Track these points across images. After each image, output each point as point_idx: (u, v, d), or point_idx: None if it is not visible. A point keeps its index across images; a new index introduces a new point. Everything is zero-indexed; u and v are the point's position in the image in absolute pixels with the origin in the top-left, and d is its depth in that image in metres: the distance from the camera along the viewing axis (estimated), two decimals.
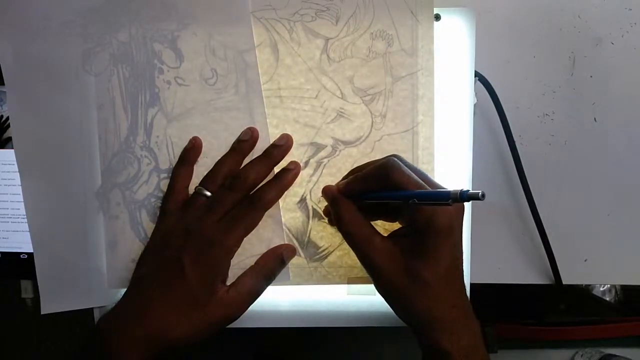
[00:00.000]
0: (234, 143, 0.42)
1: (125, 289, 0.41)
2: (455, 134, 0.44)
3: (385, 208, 0.40)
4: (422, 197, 0.34)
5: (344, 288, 0.44)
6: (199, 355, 0.47)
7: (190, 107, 0.43)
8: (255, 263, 0.42)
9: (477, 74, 0.46)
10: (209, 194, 0.41)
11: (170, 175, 0.43)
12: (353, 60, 0.43)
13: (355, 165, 0.43)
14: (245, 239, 0.41)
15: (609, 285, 0.60)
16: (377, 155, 0.42)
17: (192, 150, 0.42)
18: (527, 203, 0.50)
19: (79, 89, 0.43)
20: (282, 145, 0.42)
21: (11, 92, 0.43)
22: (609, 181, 0.52)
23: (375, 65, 0.43)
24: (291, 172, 0.42)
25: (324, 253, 0.43)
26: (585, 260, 0.52)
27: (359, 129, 0.43)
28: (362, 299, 0.44)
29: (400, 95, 0.43)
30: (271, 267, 0.42)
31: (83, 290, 0.44)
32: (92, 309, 0.45)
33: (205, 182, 0.42)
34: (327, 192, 0.41)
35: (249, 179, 0.41)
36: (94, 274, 0.44)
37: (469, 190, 0.31)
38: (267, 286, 0.41)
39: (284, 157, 0.42)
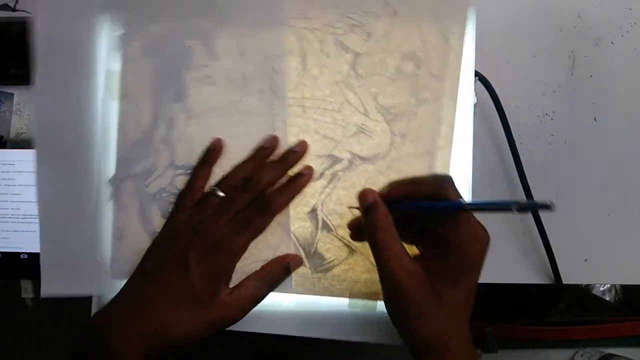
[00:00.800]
0: (255, 149, 0.42)
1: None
2: (456, 134, 0.44)
3: (408, 229, 0.39)
4: (481, 207, 0.34)
5: (345, 301, 0.44)
6: (199, 355, 0.47)
7: (213, 107, 0.43)
8: (261, 268, 0.42)
9: (477, 74, 0.46)
10: (222, 194, 0.41)
11: (185, 172, 0.43)
12: (380, 78, 0.42)
13: (369, 182, 0.42)
14: (252, 243, 0.41)
15: (609, 285, 0.60)
16: (393, 174, 0.42)
17: (214, 151, 0.42)
18: None
19: (105, 77, 0.43)
20: (298, 152, 0.42)
21: (40, 76, 0.43)
22: (609, 181, 0.52)
23: (401, 86, 0.42)
24: (304, 177, 0.42)
25: (329, 265, 0.43)
26: (585, 260, 0.52)
27: (377, 146, 0.43)
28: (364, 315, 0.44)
29: (422, 118, 0.42)
30: (276, 274, 0.42)
31: (85, 276, 0.43)
32: (90, 307, 0.44)
33: (220, 184, 0.42)
34: (366, 194, 0.37)
35: (261, 181, 0.41)
36: (97, 261, 0.43)
37: (534, 200, 0.29)
38: (269, 292, 0.41)
39: (298, 162, 0.42)
